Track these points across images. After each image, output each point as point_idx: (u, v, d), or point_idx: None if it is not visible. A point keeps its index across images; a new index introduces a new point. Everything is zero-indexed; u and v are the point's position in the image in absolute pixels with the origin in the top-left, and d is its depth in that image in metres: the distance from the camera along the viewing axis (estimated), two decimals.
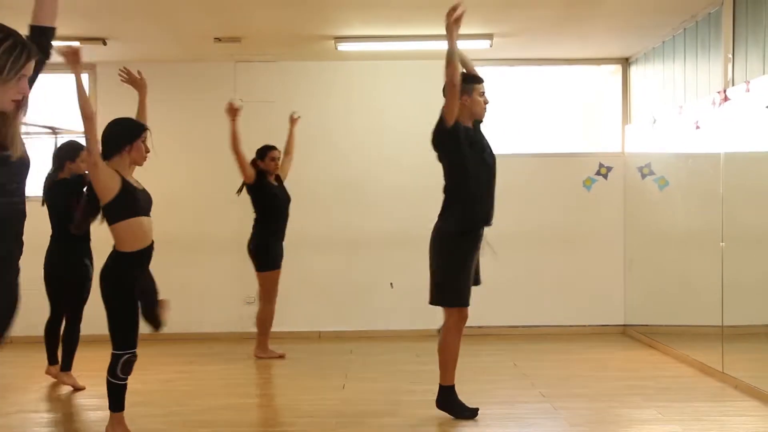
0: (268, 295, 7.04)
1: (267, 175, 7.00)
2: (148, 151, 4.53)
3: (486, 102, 5.02)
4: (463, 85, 4.82)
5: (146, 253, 4.47)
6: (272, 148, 7.06)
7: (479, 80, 5.03)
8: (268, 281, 7.00)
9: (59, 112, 7.97)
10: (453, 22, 4.65)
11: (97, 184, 4.31)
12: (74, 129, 8.12)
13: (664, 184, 7.22)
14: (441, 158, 4.99)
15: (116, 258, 4.39)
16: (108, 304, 4.35)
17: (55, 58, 3.39)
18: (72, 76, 4.28)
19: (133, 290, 4.37)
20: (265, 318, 7.07)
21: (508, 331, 8.10)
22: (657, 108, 7.44)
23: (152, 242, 4.51)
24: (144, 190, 4.53)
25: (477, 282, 5.12)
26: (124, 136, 4.45)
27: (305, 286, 8.19)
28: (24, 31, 2.90)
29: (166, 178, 7.57)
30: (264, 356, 7.07)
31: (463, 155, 4.85)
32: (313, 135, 8.19)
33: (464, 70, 4.99)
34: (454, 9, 4.65)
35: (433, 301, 5.01)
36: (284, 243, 7.12)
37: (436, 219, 5.01)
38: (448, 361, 4.99)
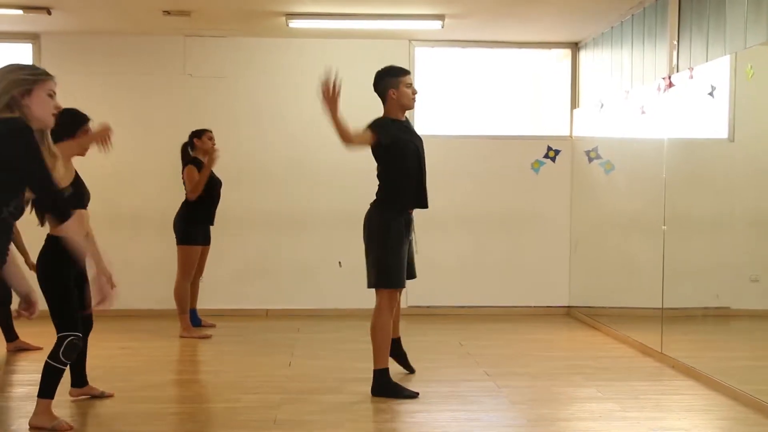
0: (182, 270, 6.97)
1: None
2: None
3: (414, 92, 5.07)
4: (389, 78, 4.96)
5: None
6: (207, 130, 7.04)
7: (405, 72, 5.07)
8: (185, 255, 6.94)
9: None
10: (328, 101, 4.65)
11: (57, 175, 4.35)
12: None
13: (610, 168, 7.34)
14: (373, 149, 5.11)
15: (51, 241, 4.46)
16: (44, 288, 4.38)
17: None
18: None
19: (67, 274, 4.41)
20: (180, 294, 6.98)
21: (455, 311, 8.18)
22: (604, 93, 7.54)
23: (87, 234, 4.61)
24: (84, 185, 4.70)
25: (412, 275, 5.22)
26: (67, 129, 4.49)
27: (254, 264, 8.16)
28: None
29: (111, 154, 7.42)
30: (187, 335, 6.93)
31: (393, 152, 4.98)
32: (262, 112, 8.14)
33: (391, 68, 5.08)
34: (327, 86, 4.60)
35: (371, 284, 5.01)
36: (215, 225, 7.13)
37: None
38: (382, 343, 4.98)
